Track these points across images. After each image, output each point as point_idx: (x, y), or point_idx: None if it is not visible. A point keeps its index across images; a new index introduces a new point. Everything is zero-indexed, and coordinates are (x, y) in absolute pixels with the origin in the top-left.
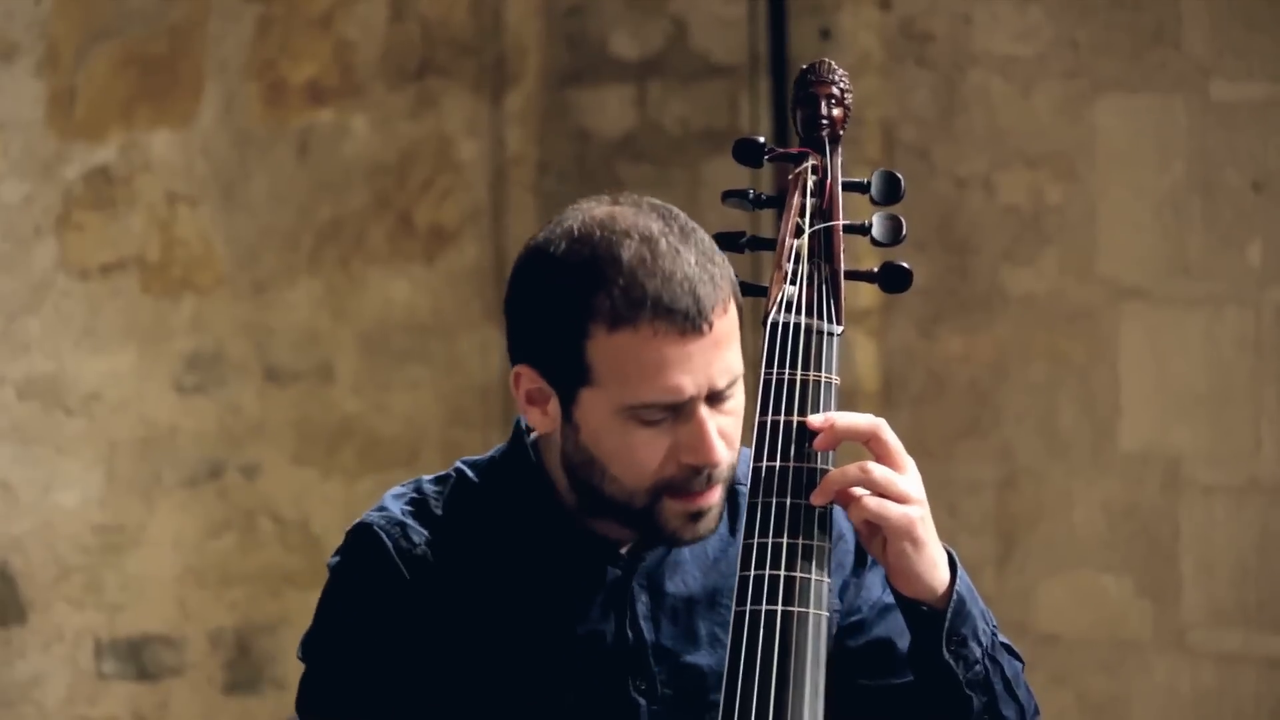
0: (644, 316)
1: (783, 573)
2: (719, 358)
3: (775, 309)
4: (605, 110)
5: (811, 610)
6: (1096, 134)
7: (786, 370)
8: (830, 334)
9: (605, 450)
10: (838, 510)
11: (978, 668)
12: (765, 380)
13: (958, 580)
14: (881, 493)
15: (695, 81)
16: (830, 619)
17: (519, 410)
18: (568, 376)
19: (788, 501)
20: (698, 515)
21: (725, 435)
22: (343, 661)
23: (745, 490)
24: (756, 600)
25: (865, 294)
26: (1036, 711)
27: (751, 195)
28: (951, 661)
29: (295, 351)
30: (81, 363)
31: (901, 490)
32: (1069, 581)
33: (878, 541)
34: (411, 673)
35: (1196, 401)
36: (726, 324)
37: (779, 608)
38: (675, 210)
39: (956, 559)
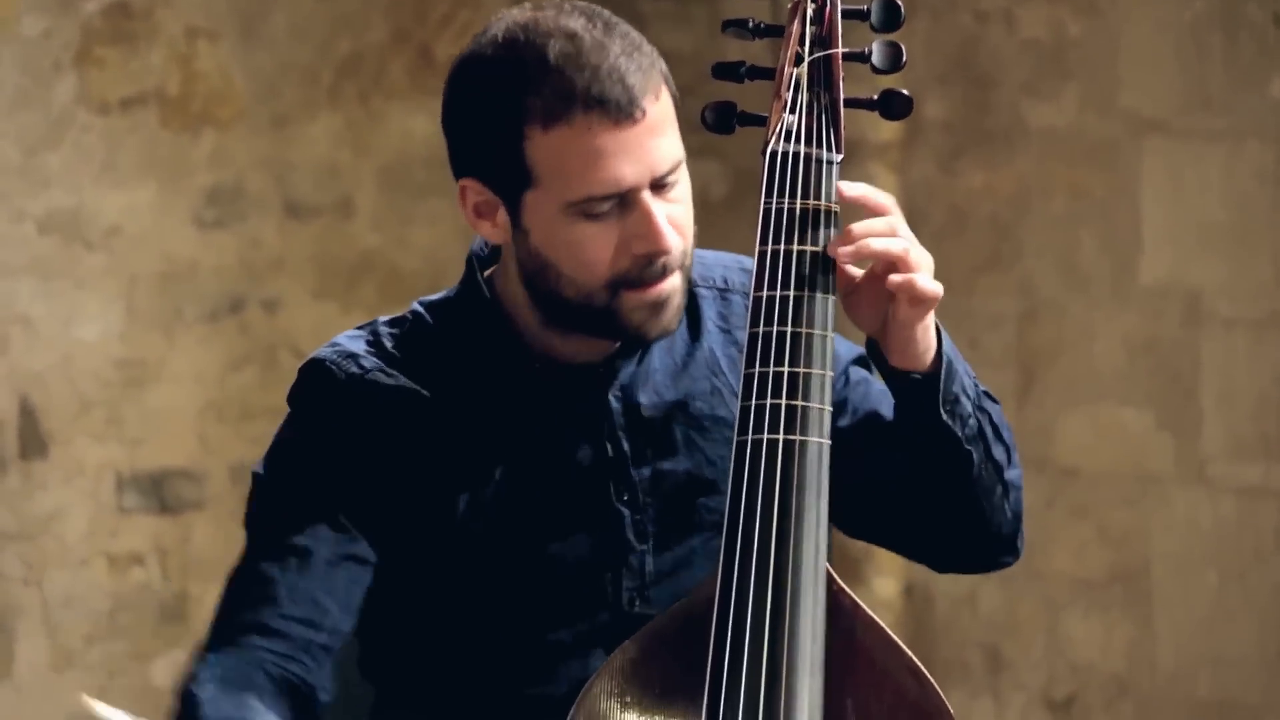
0: (576, 110)
1: (784, 402)
2: (657, 144)
3: (775, 138)
4: None
5: (813, 439)
6: None
7: (786, 199)
8: (830, 162)
9: (557, 252)
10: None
11: (971, 422)
12: (765, 209)
13: (943, 342)
14: (899, 245)
15: None
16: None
17: (469, 224)
18: (511, 182)
19: (789, 330)
20: (658, 306)
21: (675, 223)
22: (293, 475)
23: (705, 293)
24: (759, 429)
25: (885, 128)
26: (1014, 445)
27: (751, 24)
28: (949, 422)
29: (315, 186)
30: (102, 197)
31: (919, 255)
32: (1089, 415)
33: (877, 323)
34: (370, 492)
35: (1217, 235)
36: (660, 110)
37: (780, 436)
38: (596, 7)
39: (939, 323)
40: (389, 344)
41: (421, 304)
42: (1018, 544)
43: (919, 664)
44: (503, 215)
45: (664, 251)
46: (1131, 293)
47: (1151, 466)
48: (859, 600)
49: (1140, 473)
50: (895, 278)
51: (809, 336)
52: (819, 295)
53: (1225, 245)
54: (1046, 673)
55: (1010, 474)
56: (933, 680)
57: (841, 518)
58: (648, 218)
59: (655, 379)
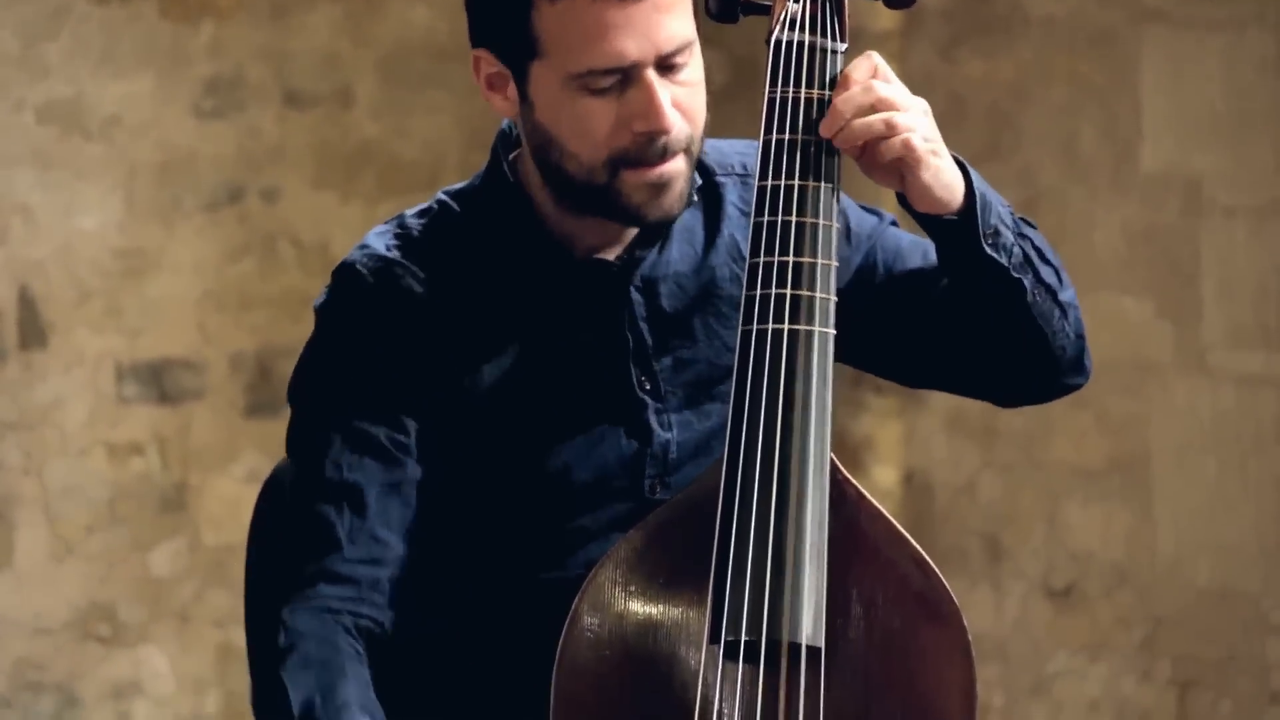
0: None
1: (788, 291)
2: (664, 22)
3: (779, 27)
4: None
5: (818, 328)
6: None
7: (791, 88)
8: (834, 51)
9: (559, 126)
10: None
11: (1016, 250)
12: (770, 99)
13: (972, 177)
14: (889, 109)
15: None
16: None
17: (483, 97)
18: (518, 51)
19: (793, 220)
20: (659, 187)
21: (681, 105)
22: (333, 397)
23: (724, 180)
24: (763, 319)
25: (885, 16)
26: (1063, 265)
27: None
28: (994, 254)
29: (314, 75)
30: (101, 87)
31: (907, 103)
32: (1089, 303)
33: (894, 176)
34: (407, 402)
35: (1218, 123)
36: None
37: (785, 326)
38: None
39: (966, 164)
40: (417, 237)
41: (446, 193)
42: (1085, 363)
43: (924, 554)
44: (513, 89)
45: (663, 131)
46: (1132, 182)
47: (1151, 355)
48: (864, 490)
49: (1140, 361)
50: (888, 152)
51: (813, 226)
52: (823, 184)
53: (1225, 134)
54: (1046, 561)
55: (1064, 294)
56: (937, 570)
57: (900, 370)
58: (649, 95)
59: (676, 269)
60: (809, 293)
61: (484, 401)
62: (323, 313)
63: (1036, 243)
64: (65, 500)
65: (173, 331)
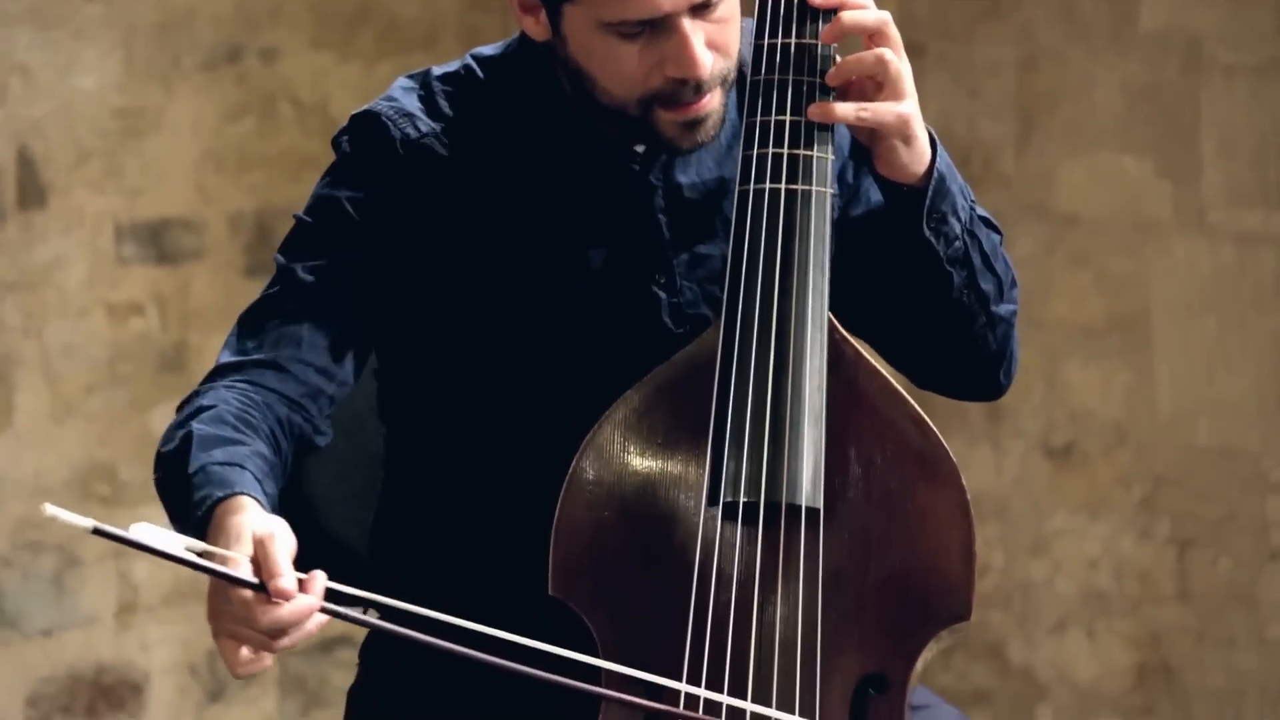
0: None
1: (786, 150)
2: None
3: None
4: None
5: (815, 188)
6: None
7: None
8: None
9: (592, 64)
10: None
11: (957, 244)
12: None
13: (938, 159)
14: (890, 84)
15: None
16: (835, 196)
17: (516, 18)
18: None
19: (790, 79)
20: (693, 124)
21: (715, 43)
22: (335, 223)
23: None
24: (760, 179)
25: None
26: (1014, 283)
27: None
28: (932, 238)
29: None
30: None
31: (904, 88)
32: (1089, 162)
33: (865, 133)
34: (407, 252)
35: None
36: None
37: (783, 186)
38: None
39: (936, 138)
40: (441, 101)
41: (474, 57)
42: (999, 378)
43: (921, 412)
44: (544, 16)
45: (697, 78)
46: (1131, 39)
47: (1151, 213)
48: (861, 349)
49: (1140, 219)
50: (858, 113)
51: (810, 85)
52: (820, 44)
53: None
54: (1045, 420)
55: (999, 308)
56: (935, 430)
57: (836, 308)
58: (683, 43)
59: (699, 161)
60: (807, 152)
61: (491, 275)
62: (345, 148)
63: (985, 246)
64: (65, 360)
65: (172, 191)
